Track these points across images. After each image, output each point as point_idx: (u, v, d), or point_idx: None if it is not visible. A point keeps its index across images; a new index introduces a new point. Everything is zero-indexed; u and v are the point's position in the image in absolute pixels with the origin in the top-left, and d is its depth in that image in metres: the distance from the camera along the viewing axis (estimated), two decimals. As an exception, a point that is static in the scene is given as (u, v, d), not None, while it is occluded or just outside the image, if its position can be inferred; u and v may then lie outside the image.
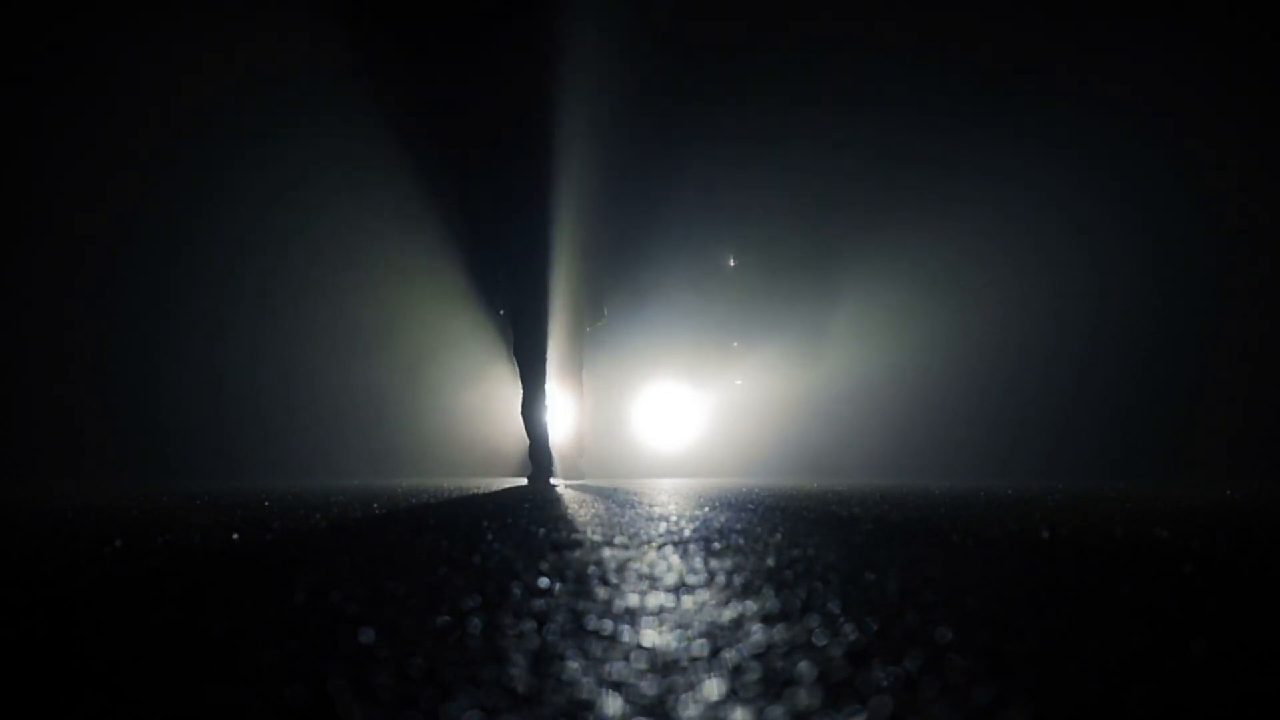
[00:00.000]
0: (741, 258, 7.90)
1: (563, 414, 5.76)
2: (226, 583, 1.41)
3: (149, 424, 7.66)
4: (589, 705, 0.77)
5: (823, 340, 7.76)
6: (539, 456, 5.29)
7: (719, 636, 1.02)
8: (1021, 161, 7.29)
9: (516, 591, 1.31)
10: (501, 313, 5.63)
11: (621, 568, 1.56)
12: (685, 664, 0.90)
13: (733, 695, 0.80)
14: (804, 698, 0.79)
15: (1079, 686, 0.81)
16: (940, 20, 7.15)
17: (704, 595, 1.29)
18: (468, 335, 7.72)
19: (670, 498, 3.81)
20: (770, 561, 1.62)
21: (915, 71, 7.24)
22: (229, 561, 1.66)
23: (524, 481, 5.55)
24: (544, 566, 1.57)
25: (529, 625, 1.08)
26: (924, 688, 0.81)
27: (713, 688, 0.82)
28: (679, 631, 1.05)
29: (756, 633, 1.04)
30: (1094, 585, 1.38)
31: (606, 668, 0.89)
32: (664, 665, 0.90)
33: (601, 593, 1.31)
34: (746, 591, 1.31)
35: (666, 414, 8.05)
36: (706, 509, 3.01)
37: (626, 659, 0.92)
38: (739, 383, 8.04)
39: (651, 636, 1.02)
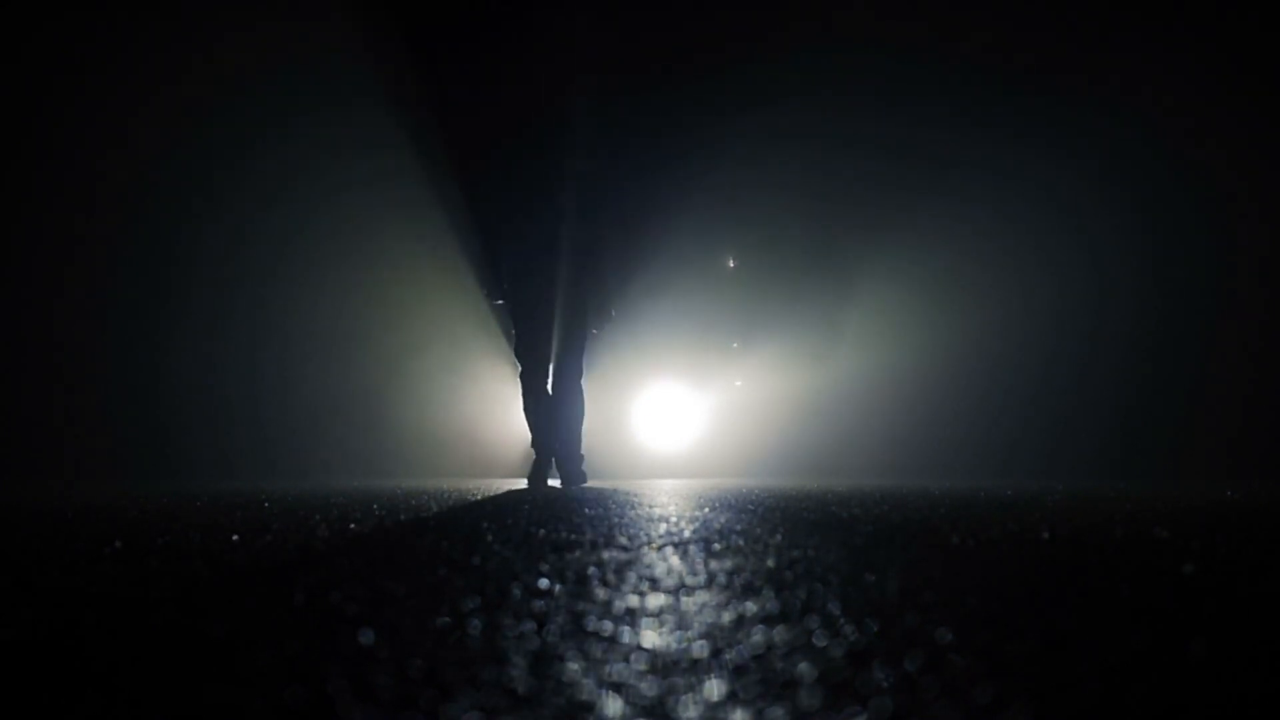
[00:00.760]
0: (742, 258, 7.90)
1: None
2: (226, 583, 1.41)
3: (146, 425, 7.65)
4: (589, 706, 0.77)
5: (824, 340, 7.76)
6: (540, 457, 5.22)
7: (719, 637, 1.02)
8: (1021, 161, 7.29)
9: (516, 592, 1.31)
10: (499, 303, 5.53)
11: (621, 569, 1.56)
12: (685, 665, 0.90)
13: (733, 696, 0.80)
14: (804, 698, 0.79)
15: (1079, 686, 0.81)
16: (945, 20, 7.15)
17: (704, 596, 1.29)
18: (469, 333, 7.70)
19: (670, 498, 3.81)
20: (770, 562, 1.62)
21: (914, 70, 7.24)
22: (229, 562, 1.66)
23: (524, 483, 5.46)
24: (544, 567, 1.57)
25: (529, 626, 1.08)
26: (924, 688, 0.81)
27: (713, 689, 0.82)
28: (679, 632, 1.05)
29: (757, 634, 1.04)
30: (1094, 585, 1.38)
31: (606, 669, 0.89)
32: (664, 666, 0.90)
33: (601, 594, 1.31)
34: (747, 592, 1.31)
35: (666, 415, 8.05)
36: (706, 510, 3.01)
37: (627, 660, 0.92)
38: (739, 384, 8.04)
39: (652, 637, 1.02)
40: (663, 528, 2.33)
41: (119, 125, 7.39)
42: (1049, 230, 7.50)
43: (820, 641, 0.99)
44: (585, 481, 5.36)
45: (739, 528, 2.30)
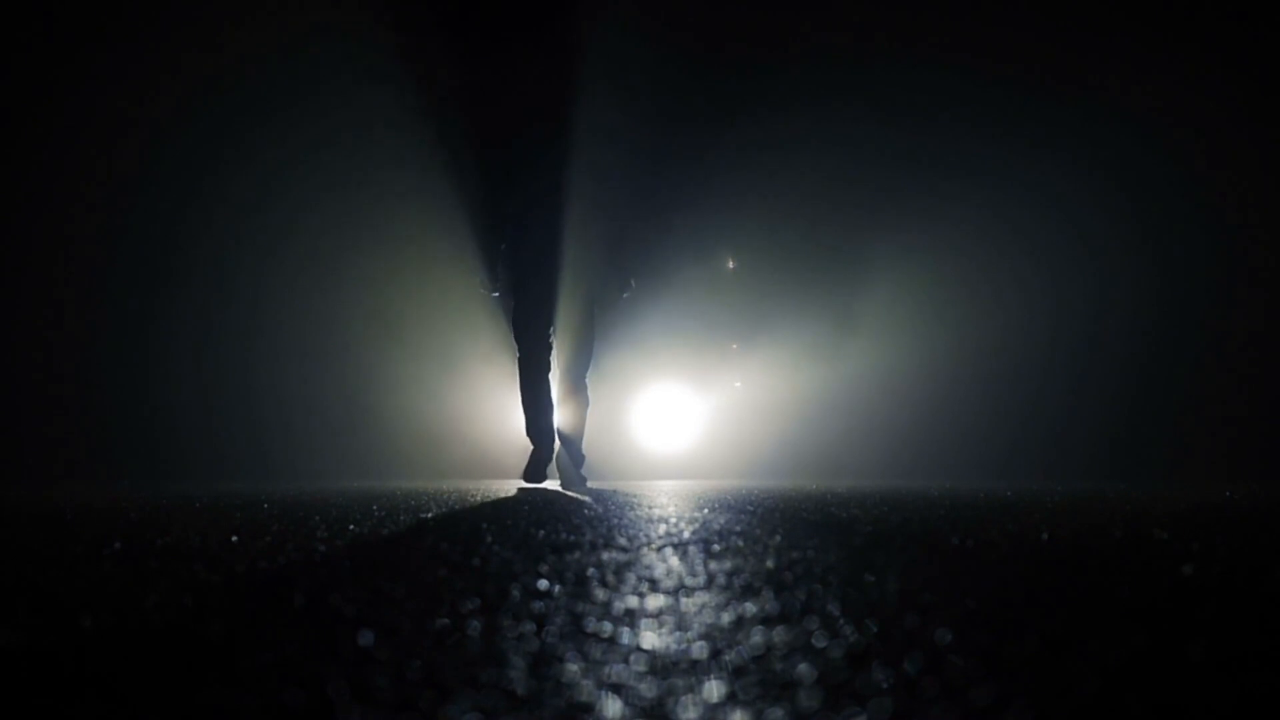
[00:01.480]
0: (742, 259, 7.91)
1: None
2: (225, 584, 1.41)
3: (139, 427, 7.62)
4: (588, 707, 0.77)
5: (836, 336, 7.74)
6: (539, 452, 5.00)
7: (719, 638, 1.02)
8: (1021, 163, 7.30)
9: (516, 594, 1.31)
10: (496, 295, 5.26)
11: (621, 570, 1.56)
12: (685, 666, 0.90)
13: (732, 697, 0.80)
14: (804, 699, 0.79)
15: (1079, 687, 0.81)
16: (948, 26, 7.16)
17: (703, 597, 1.29)
18: (468, 332, 7.67)
19: (670, 499, 3.81)
20: (770, 563, 1.62)
21: (914, 75, 7.25)
22: (228, 563, 1.66)
23: (525, 482, 5.25)
24: (543, 568, 1.57)
25: (528, 627, 1.08)
26: (924, 689, 0.81)
27: (712, 690, 0.82)
28: (678, 633, 1.05)
29: (756, 635, 1.04)
30: (1094, 586, 1.38)
31: (606, 670, 0.89)
32: (663, 667, 0.90)
33: (601, 595, 1.31)
34: (746, 593, 1.31)
35: (666, 416, 8.05)
36: (706, 511, 3.01)
37: (626, 661, 0.92)
38: (738, 385, 8.04)
39: (651, 638, 1.02)
40: (662, 529, 2.33)
41: (108, 127, 7.37)
42: (1048, 232, 7.51)
43: (820, 642, 0.99)
44: (585, 483, 5.30)
45: (738, 529, 2.30)
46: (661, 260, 7.05)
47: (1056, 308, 7.55)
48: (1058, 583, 1.43)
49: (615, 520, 2.62)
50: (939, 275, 7.60)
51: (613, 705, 0.77)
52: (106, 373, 7.69)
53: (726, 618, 1.13)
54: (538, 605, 1.22)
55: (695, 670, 0.89)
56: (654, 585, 1.40)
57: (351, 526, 2.45)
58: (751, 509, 3.06)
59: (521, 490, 4.83)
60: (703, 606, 1.21)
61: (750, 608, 1.20)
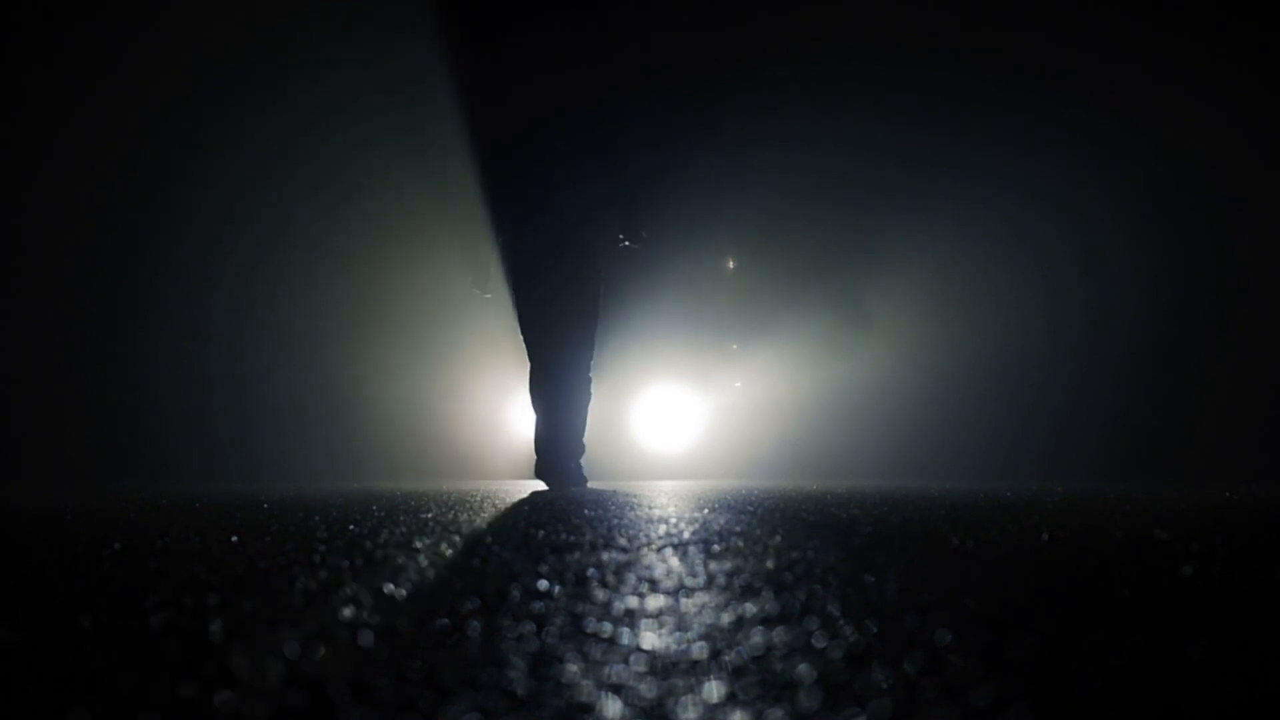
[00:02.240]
0: (743, 259, 7.91)
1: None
2: (225, 585, 1.41)
3: (131, 427, 7.59)
4: (588, 708, 0.77)
5: (853, 331, 7.73)
6: (553, 451, 4.83)
7: (718, 639, 1.02)
8: (1019, 164, 7.30)
9: (515, 594, 1.31)
10: (488, 296, 5.05)
11: (621, 570, 1.56)
12: (685, 666, 0.90)
13: (732, 697, 0.80)
14: (803, 700, 0.79)
15: (1079, 687, 0.81)
16: (946, 26, 7.16)
17: (703, 597, 1.29)
18: (468, 327, 7.65)
19: (669, 500, 3.81)
20: (770, 564, 1.62)
21: (914, 77, 7.25)
22: (228, 564, 1.66)
23: (537, 484, 5.04)
24: (543, 569, 1.57)
25: (528, 628, 1.08)
26: (924, 690, 0.81)
27: (712, 690, 0.82)
28: (678, 634, 1.05)
29: (756, 635, 1.04)
30: (1093, 587, 1.38)
31: (606, 670, 0.89)
32: (663, 667, 0.90)
33: (601, 595, 1.31)
34: (746, 594, 1.31)
35: (666, 416, 8.04)
36: (706, 511, 3.01)
37: (626, 661, 0.92)
38: (738, 385, 8.04)
39: (651, 639, 1.02)
40: (662, 529, 2.33)
41: (93, 124, 7.33)
42: (1046, 232, 7.51)
43: (819, 643, 0.99)
44: (585, 483, 5.26)
45: (738, 529, 2.30)
46: (661, 259, 7.02)
47: (1056, 307, 7.55)
48: (1058, 583, 1.43)
49: (615, 520, 2.62)
50: (938, 276, 7.60)
51: (613, 705, 0.77)
52: (90, 374, 7.65)
53: (726, 618, 1.13)
54: (538, 605, 1.22)
55: (695, 670, 0.89)
56: (654, 585, 1.40)
57: (351, 526, 2.45)
58: (751, 509, 3.06)
59: (531, 491, 4.81)
60: (703, 607, 1.21)
61: (750, 608, 1.20)
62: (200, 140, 7.44)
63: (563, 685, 0.83)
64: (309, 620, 1.13)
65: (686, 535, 2.16)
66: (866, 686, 0.82)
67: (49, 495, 4.64)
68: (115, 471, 7.36)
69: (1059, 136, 7.26)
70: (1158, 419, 7.29)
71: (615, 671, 0.88)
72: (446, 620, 1.12)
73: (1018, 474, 7.13)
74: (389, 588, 1.38)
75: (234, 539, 2.12)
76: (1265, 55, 6.92)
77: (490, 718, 0.74)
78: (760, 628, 1.07)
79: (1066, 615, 1.15)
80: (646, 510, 3.08)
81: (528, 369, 5.00)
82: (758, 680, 0.85)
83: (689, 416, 8.04)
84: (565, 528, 2.37)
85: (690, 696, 0.80)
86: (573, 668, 0.89)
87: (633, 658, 0.94)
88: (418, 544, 1.99)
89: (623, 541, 2.02)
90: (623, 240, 5.05)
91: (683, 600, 1.27)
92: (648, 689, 0.82)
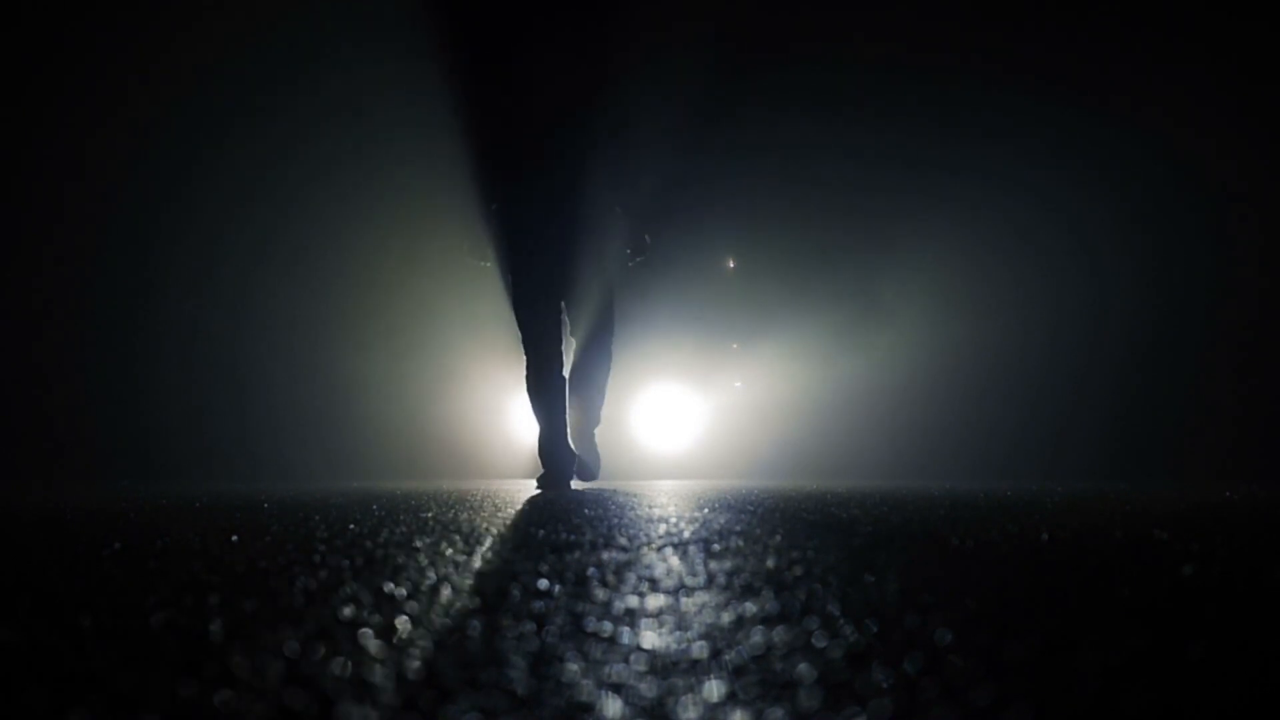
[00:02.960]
0: (743, 260, 7.91)
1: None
2: (225, 584, 1.41)
3: (129, 427, 7.58)
4: (588, 707, 0.77)
5: (825, 342, 7.73)
6: (554, 449, 4.57)
7: (719, 638, 1.02)
8: (1019, 165, 7.30)
9: (515, 593, 1.31)
10: (487, 264, 4.74)
11: (621, 569, 1.56)
12: (685, 666, 0.90)
13: (732, 697, 0.80)
14: (804, 699, 0.79)
15: (1079, 687, 0.81)
16: (947, 29, 7.16)
17: (704, 597, 1.29)
18: (468, 326, 7.63)
19: (670, 499, 3.81)
20: (770, 563, 1.62)
21: (910, 74, 7.25)
22: (228, 563, 1.66)
23: (535, 485, 4.80)
24: (543, 568, 1.57)
25: (528, 627, 1.08)
26: (924, 689, 0.81)
27: (712, 689, 0.82)
28: (679, 633, 1.05)
29: (756, 634, 1.04)
30: (1093, 587, 1.38)
31: (606, 669, 0.89)
32: (664, 667, 0.90)
33: (601, 594, 1.31)
34: (746, 593, 1.31)
35: (666, 416, 8.04)
36: (706, 510, 3.01)
37: (626, 661, 0.92)
38: (739, 385, 8.04)
39: (651, 638, 1.02)
40: (662, 528, 2.33)
41: (93, 125, 7.32)
42: (1046, 232, 7.51)
43: (820, 642, 0.99)
44: (594, 478, 5.14)
45: (738, 528, 2.30)
46: (671, 240, 6.98)
47: (1056, 307, 7.55)
48: (1058, 583, 1.43)
49: (615, 520, 2.62)
50: (938, 276, 7.60)
51: (613, 705, 0.77)
52: (106, 373, 7.66)
53: (726, 617, 1.13)
54: (538, 605, 1.22)
55: (695, 670, 0.89)
56: (654, 585, 1.40)
57: (351, 526, 2.45)
58: (751, 509, 3.06)
59: (520, 491, 4.81)
60: (703, 606, 1.21)
61: (750, 607, 1.20)
62: (200, 140, 7.44)
63: (563, 685, 0.83)
64: (309, 620, 1.13)
65: (687, 534, 2.16)
66: (866, 686, 0.82)
67: (49, 495, 4.64)
68: (115, 471, 7.35)
69: (1059, 137, 7.26)
70: (1158, 419, 7.29)
71: (615, 671, 0.88)
72: (446, 619, 1.12)
73: (1018, 474, 7.12)
74: (389, 587, 1.38)
75: (234, 539, 2.12)
76: (1265, 55, 6.92)
77: (490, 717, 0.74)
78: (760, 627, 1.07)
79: (1066, 615, 1.15)
80: (646, 510, 3.08)
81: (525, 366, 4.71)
82: (758, 680, 0.85)
83: (689, 416, 8.04)
84: (565, 527, 2.37)
85: (690, 696, 0.80)
86: (573, 667, 0.89)
87: (633, 657, 0.94)
88: (418, 543, 1.99)
89: (623, 541, 2.02)
90: (632, 257, 4.90)
91: (683, 599, 1.27)
92: (648, 688, 0.82)
